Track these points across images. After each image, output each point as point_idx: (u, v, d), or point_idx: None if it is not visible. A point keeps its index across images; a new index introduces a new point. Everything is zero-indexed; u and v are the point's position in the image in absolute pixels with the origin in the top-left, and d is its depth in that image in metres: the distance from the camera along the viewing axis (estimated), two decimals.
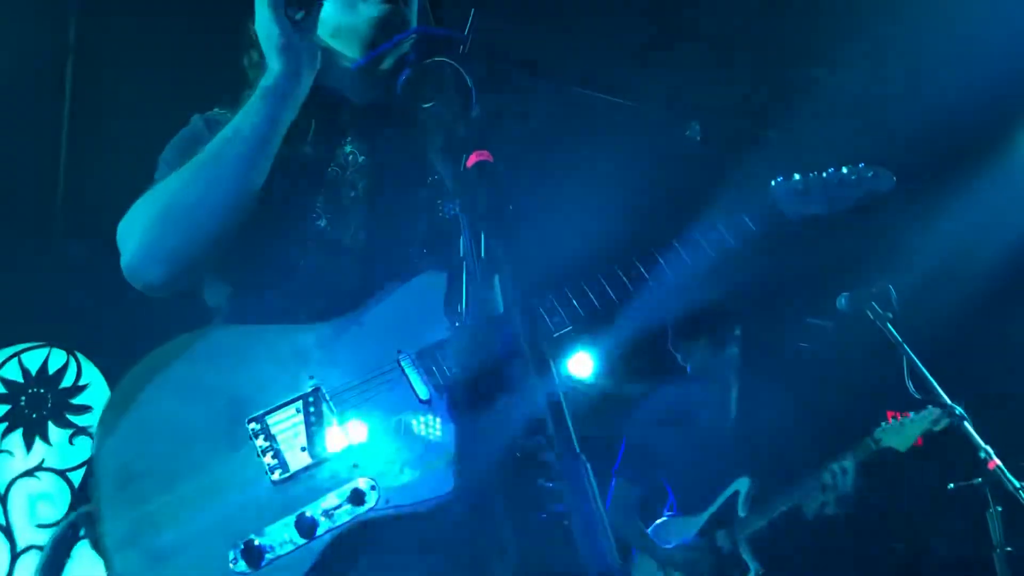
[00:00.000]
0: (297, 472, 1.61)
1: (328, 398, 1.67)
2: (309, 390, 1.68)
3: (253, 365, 1.70)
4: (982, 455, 3.04)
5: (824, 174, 2.04)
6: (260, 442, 1.63)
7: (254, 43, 1.90)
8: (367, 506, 1.58)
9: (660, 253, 1.85)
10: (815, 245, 5.59)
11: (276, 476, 1.61)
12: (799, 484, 3.92)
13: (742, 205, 1.95)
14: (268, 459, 1.62)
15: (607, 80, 4.69)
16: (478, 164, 1.20)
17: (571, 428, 0.98)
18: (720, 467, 4.14)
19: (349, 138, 1.92)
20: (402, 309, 1.75)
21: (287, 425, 1.65)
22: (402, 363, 1.69)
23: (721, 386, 4.33)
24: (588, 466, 0.93)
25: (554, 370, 1.07)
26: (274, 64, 1.72)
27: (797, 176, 2.02)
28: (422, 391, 1.66)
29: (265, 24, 1.72)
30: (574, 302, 1.74)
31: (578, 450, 0.94)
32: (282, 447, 1.63)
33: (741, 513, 4.02)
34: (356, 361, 1.70)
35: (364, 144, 1.92)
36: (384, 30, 1.82)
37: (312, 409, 1.66)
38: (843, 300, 3.54)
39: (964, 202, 5.03)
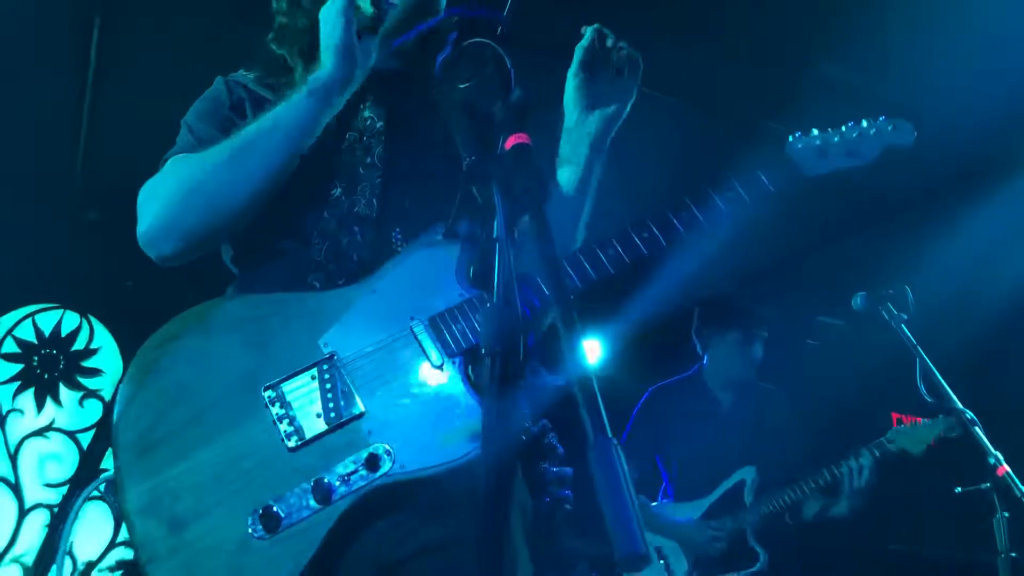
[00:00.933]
0: (313, 439, 1.63)
1: (342, 365, 1.68)
2: (324, 357, 1.69)
3: (267, 333, 1.72)
4: (991, 460, 3.04)
5: (844, 128, 1.99)
6: (276, 409, 1.65)
7: None
8: (382, 471, 1.60)
9: (674, 213, 1.84)
10: (834, 242, 5.61)
11: (292, 443, 1.62)
12: (802, 480, 3.95)
13: (759, 163, 1.93)
14: (284, 426, 1.63)
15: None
16: (516, 147, 1.20)
17: (602, 409, 0.99)
18: (724, 456, 4.18)
19: (369, 103, 1.94)
20: (415, 276, 1.77)
21: (302, 392, 1.67)
22: (414, 329, 1.71)
23: (738, 381, 4.35)
24: (620, 448, 0.94)
25: (584, 350, 1.07)
26: (328, 63, 1.74)
27: (815, 131, 1.98)
28: (435, 356, 1.68)
29: (331, 19, 1.73)
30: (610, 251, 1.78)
31: (609, 432, 0.95)
32: (297, 414, 1.65)
33: (747, 500, 4.06)
34: (369, 328, 1.72)
35: (382, 109, 1.94)
36: (416, 14, 1.85)
37: (327, 376, 1.67)
38: (859, 299, 3.53)
39: (989, 212, 5.01)
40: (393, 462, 1.61)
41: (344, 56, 1.73)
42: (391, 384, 1.67)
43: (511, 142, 1.21)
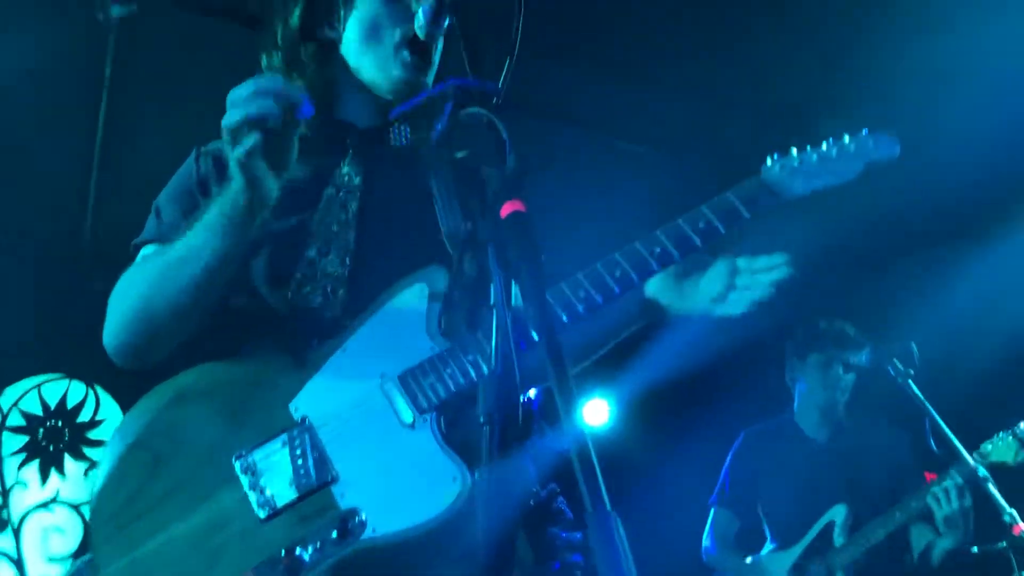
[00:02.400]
0: (284, 507, 1.61)
1: (314, 429, 1.67)
2: (294, 422, 1.68)
3: (238, 401, 1.71)
4: (1007, 519, 3.00)
5: (823, 144, 1.86)
6: (247, 479, 1.63)
7: (277, 45, 1.98)
8: (355, 537, 1.57)
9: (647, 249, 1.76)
10: (837, 296, 5.61)
11: (263, 513, 1.60)
12: (899, 509, 3.71)
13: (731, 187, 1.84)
14: (255, 496, 1.62)
15: (632, 126, 4.74)
16: (512, 214, 1.21)
17: (600, 479, 0.97)
18: (816, 497, 4.00)
19: (348, 157, 1.95)
20: (385, 332, 1.75)
21: (273, 460, 1.65)
22: (384, 387, 1.69)
23: (828, 410, 4.16)
24: (619, 521, 0.92)
25: (580, 415, 1.07)
26: (235, 180, 1.62)
27: (793, 151, 1.86)
28: (406, 415, 1.66)
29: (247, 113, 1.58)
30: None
31: (608, 504, 0.94)
32: (268, 483, 1.63)
33: (837, 542, 3.87)
34: (340, 388, 1.70)
35: (361, 165, 1.94)
36: (405, 93, 1.91)
37: (298, 441, 1.66)
38: (864, 355, 3.51)
39: (989, 261, 5.01)
40: (365, 527, 1.58)
41: (252, 180, 1.59)
42: (363, 446, 1.65)
43: (507, 210, 1.22)
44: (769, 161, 1.86)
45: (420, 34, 1.79)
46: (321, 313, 1.80)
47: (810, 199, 1.85)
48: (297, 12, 2.01)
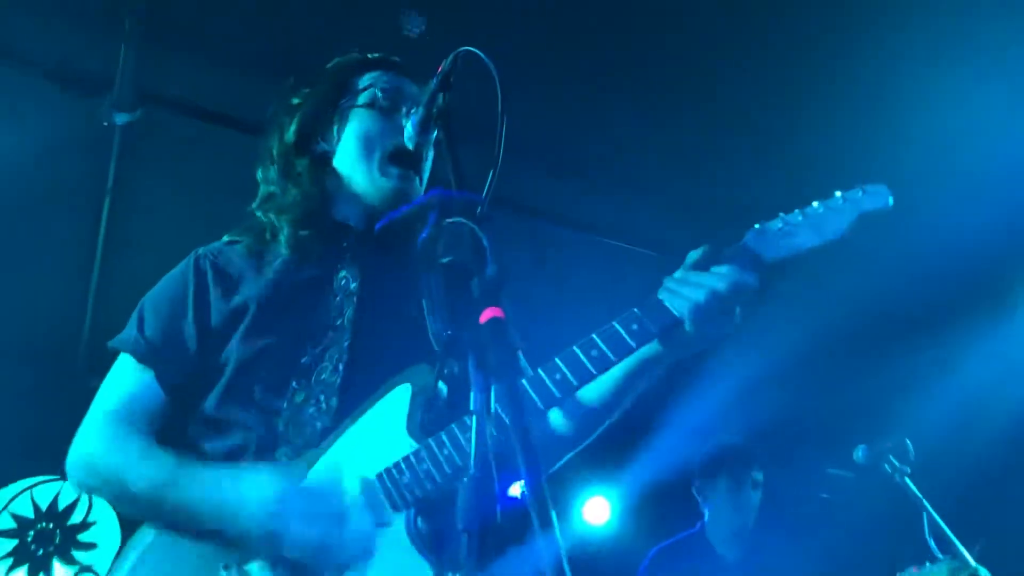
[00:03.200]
0: None
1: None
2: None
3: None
4: None
5: (813, 204, 1.76)
6: None
7: (272, 159, 2.06)
8: None
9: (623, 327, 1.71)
10: (833, 390, 5.60)
11: None
12: None
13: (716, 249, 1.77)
14: None
15: (620, 227, 4.82)
16: (491, 320, 1.24)
17: None
18: None
19: (345, 261, 1.99)
20: (367, 434, 1.78)
21: (258, 569, 1.67)
22: (364, 489, 1.72)
23: (738, 533, 4.21)
24: None
25: (556, 525, 1.07)
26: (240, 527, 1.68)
27: (780, 215, 1.77)
28: (384, 513, 1.69)
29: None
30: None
31: None
32: None
33: None
34: (323, 494, 1.72)
35: (356, 269, 1.98)
36: (394, 203, 1.98)
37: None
38: (860, 452, 3.49)
39: (984, 349, 5.01)
40: None
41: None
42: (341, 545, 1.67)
43: (486, 316, 1.25)
44: (756, 226, 1.79)
45: (409, 145, 1.86)
46: (313, 424, 1.81)
47: (792, 261, 1.75)
48: (294, 127, 2.10)
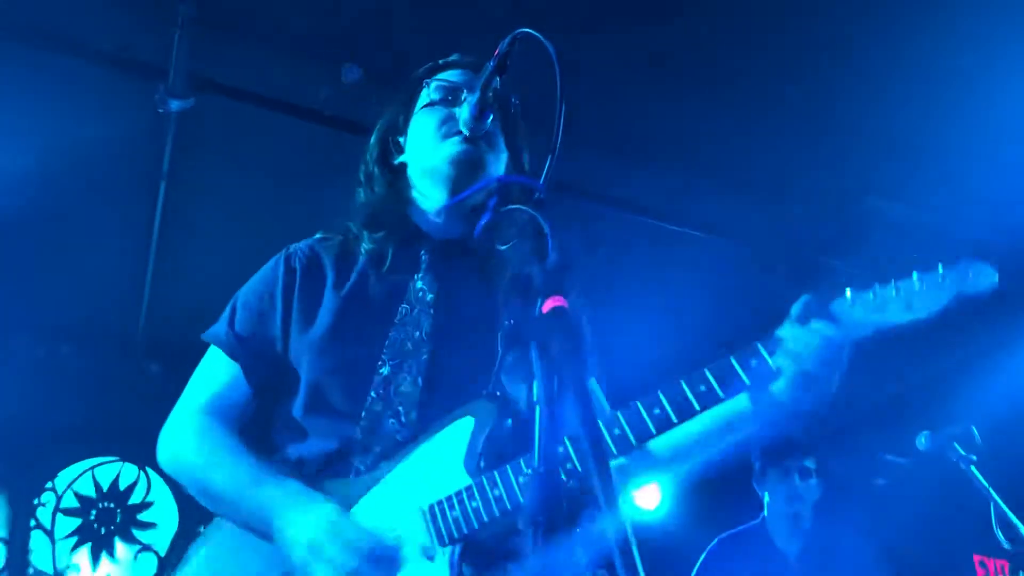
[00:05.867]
0: None
1: None
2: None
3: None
4: None
5: (909, 279, 1.61)
6: None
7: (362, 166, 2.09)
8: None
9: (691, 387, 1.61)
10: (895, 378, 5.48)
11: None
12: None
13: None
14: None
15: (675, 210, 4.76)
16: (553, 310, 1.21)
17: (640, 569, 0.95)
18: None
19: (421, 272, 1.96)
20: (426, 463, 1.76)
21: None
22: (414, 519, 1.72)
23: (795, 524, 4.13)
24: None
25: (622, 506, 1.05)
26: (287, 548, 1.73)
27: (876, 285, 1.62)
28: (428, 546, 1.69)
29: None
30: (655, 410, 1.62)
31: None
32: None
33: None
34: (382, 517, 1.75)
35: (434, 280, 1.95)
36: (462, 168, 1.92)
37: None
38: (923, 439, 3.40)
39: None
40: None
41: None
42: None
43: (548, 305, 1.22)
44: (848, 293, 1.65)
45: (465, 131, 1.83)
46: (393, 436, 1.80)
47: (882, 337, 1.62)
48: (373, 139, 2.12)
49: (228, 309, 2.01)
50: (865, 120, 4.14)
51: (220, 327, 1.99)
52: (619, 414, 1.65)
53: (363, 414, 1.82)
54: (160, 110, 3.84)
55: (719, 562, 4.17)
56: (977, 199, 4.39)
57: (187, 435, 1.93)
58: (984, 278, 1.61)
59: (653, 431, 1.63)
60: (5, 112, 3.87)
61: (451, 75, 2.06)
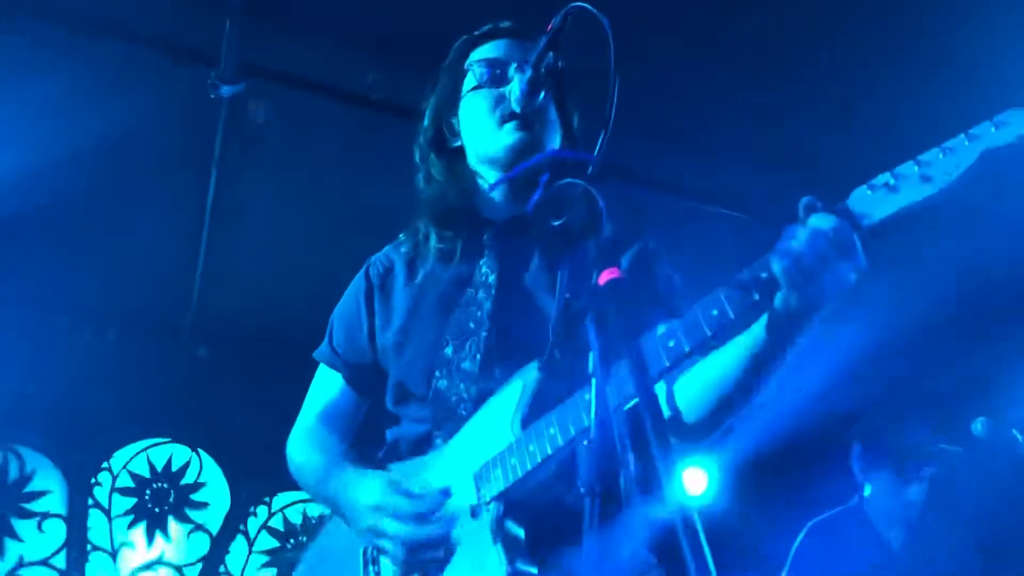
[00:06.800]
0: None
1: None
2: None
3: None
4: None
5: (931, 151, 1.44)
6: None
7: (418, 160, 2.13)
8: None
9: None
10: (947, 362, 5.38)
11: None
12: None
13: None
14: None
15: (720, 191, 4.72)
16: (609, 282, 1.21)
17: (705, 547, 0.95)
18: None
19: (485, 255, 2.00)
20: (481, 428, 1.84)
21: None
22: (467, 481, 1.80)
23: (897, 517, 3.93)
24: None
25: (679, 483, 1.04)
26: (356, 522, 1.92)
27: (889, 172, 1.47)
28: (474, 503, 1.76)
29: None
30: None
31: (713, 572, 0.91)
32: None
33: None
34: (416, 504, 1.85)
35: (496, 261, 1.99)
36: (519, 155, 1.93)
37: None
38: (979, 425, 3.33)
39: None
40: None
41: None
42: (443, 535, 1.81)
43: (604, 277, 1.22)
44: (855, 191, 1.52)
45: (517, 108, 1.83)
46: (459, 411, 1.89)
47: (906, 224, 1.45)
48: (424, 127, 2.14)
49: (328, 328, 2.20)
50: (922, 104, 4.04)
51: (323, 345, 2.19)
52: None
53: (430, 395, 1.92)
54: (212, 95, 3.89)
55: (815, 546, 4.04)
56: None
57: (296, 443, 2.18)
58: (1012, 127, 1.38)
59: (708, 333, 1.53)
60: (61, 96, 3.94)
61: (493, 49, 2.06)
